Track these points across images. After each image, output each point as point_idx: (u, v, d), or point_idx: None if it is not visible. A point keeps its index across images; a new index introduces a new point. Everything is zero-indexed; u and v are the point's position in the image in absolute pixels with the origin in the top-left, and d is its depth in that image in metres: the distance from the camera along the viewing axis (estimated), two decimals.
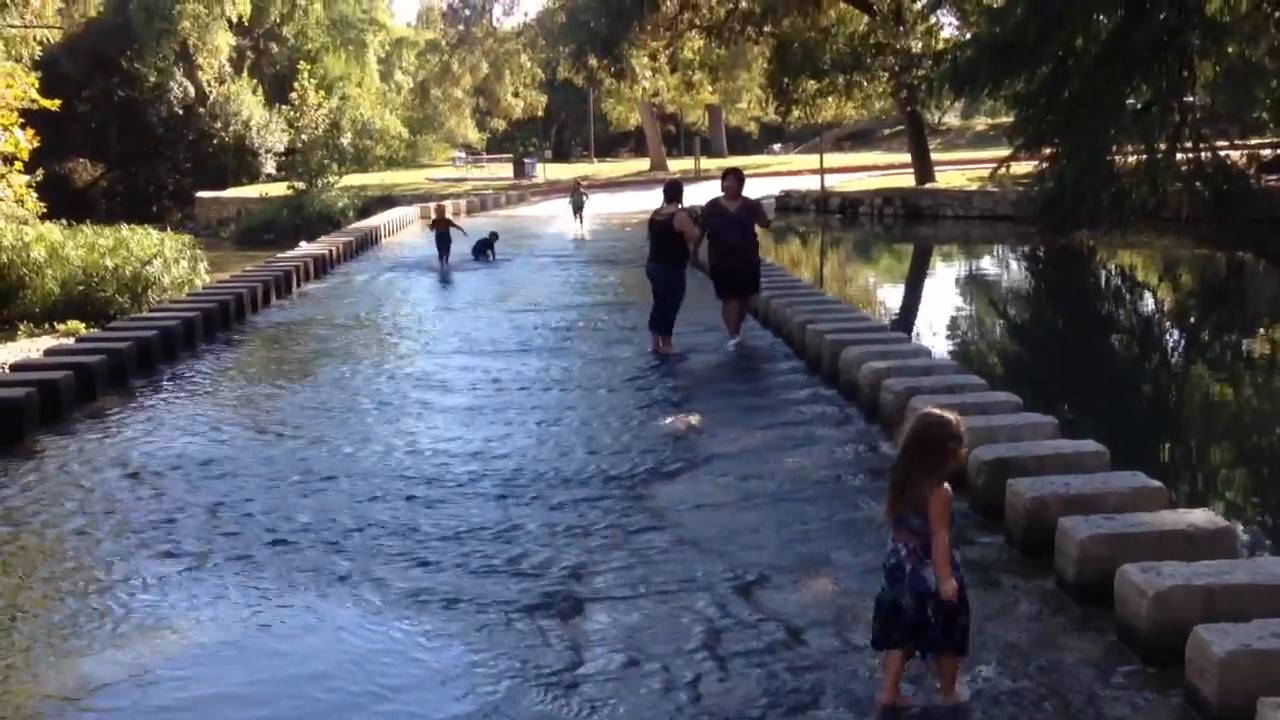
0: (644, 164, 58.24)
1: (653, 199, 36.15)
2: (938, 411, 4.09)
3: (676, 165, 55.34)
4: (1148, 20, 18.71)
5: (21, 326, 14.88)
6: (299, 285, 17.04)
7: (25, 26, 38.27)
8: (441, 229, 20.14)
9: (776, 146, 70.11)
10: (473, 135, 68.86)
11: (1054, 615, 4.85)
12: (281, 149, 49.51)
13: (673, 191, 11.13)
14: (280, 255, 19.72)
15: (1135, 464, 5.99)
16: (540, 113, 66.11)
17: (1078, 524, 5.03)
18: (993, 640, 4.60)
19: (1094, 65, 19.67)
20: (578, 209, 26.91)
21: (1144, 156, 19.92)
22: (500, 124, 68.49)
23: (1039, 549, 5.33)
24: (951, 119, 66.48)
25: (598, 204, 34.48)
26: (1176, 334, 15.54)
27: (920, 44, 31.20)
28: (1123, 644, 4.48)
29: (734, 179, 10.96)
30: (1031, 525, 5.44)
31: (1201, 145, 20.46)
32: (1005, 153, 26.92)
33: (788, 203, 33.00)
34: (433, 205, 35.32)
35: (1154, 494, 5.52)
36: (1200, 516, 5.22)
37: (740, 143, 68.94)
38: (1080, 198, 19.54)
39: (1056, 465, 5.99)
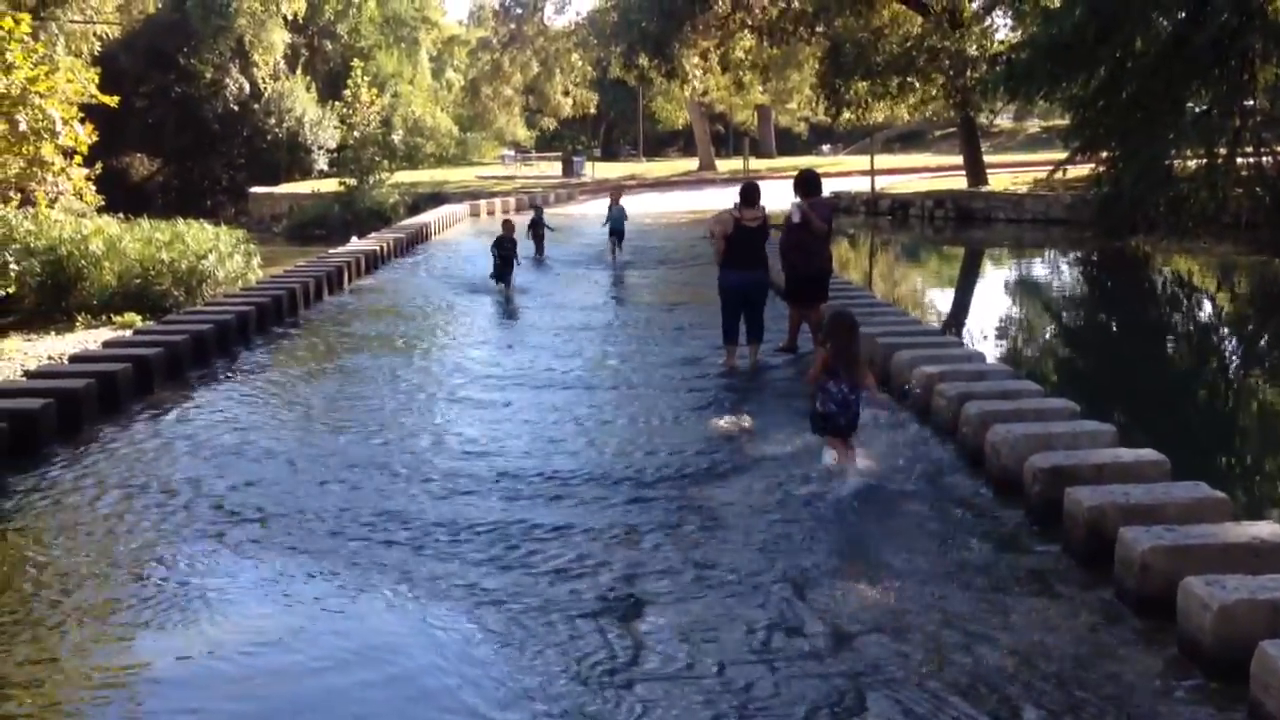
0: (692, 164, 58.14)
1: (702, 199, 36.08)
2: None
3: (725, 165, 55.23)
4: (1208, 22, 18.37)
5: (79, 318, 15.10)
6: (350, 280, 17.18)
7: (85, 23, 38.93)
8: (507, 250, 16.49)
9: (826, 148, 69.74)
10: (522, 133, 69.12)
11: (1113, 627, 4.76)
12: (333, 145, 49.94)
13: (753, 194, 10.35)
14: (332, 251, 19.89)
15: (1196, 474, 5.88)
16: (590, 111, 66.26)
17: (1139, 534, 4.95)
18: (1051, 651, 4.53)
19: (1153, 68, 19.36)
20: (616, 230, 20.01)
21: (1203, 161, 19.57)
22: (550, 122, 68.67)
23: (1097, 559, 5.25)
24: (1004, 121, 65.83)
25: (645, 204, 34.40)
26: (1235, 341, 15.26)
27: (975, 46, 30.87)
28: (1185, 658, 4.40)
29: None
30: (1090, 535, 5.35)
31: (1262, 150, 20.08)
32: (1058, 155, 26.61)
33: (837, 204, 32.78)
34: (499, 209, 35.07)
35: (1217, 505, 5.42)
36: (1265, 529, 5.11)
37: (789, 143, 68.64)
38: (1138, 202, 19.25)
39: (1115, 474, 5.89)
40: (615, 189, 21.03)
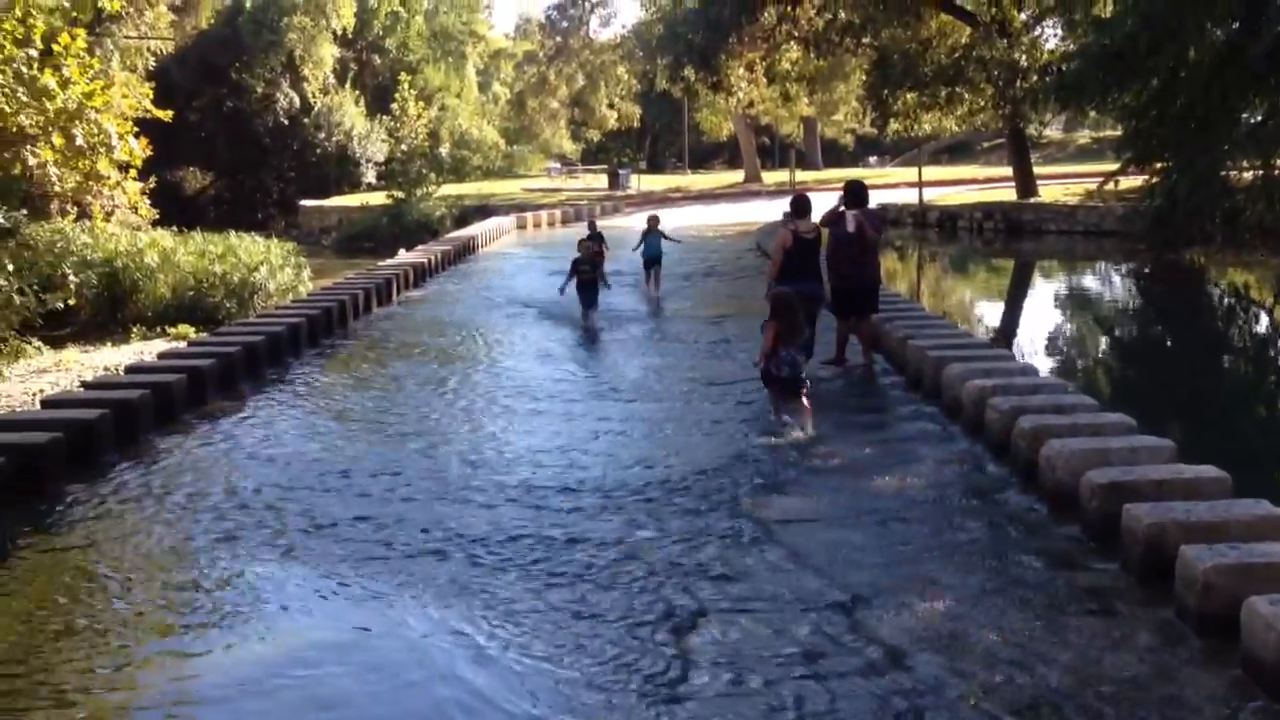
0: (738, 175, 58.11)
1: (748, 211, 36.00)
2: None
3: (770, 177, 55.13)
4: (1263, 32, 18.06)
5: (135, 329, 15.33)
6: (399, 293, 17.32)
7: (140, 38, 39.63)
8: (587, 275, 14.15)
9: (872, 159, 69.43)
10: (567, 146, 69.46)
11: (1174, 647, 4.67)
12: (382, 158, 50.45)
13: (805, 205, 10.33)
14: (380, 263, 20.06)
15: (1258, 491, 5.76)
16: (635, 123, 66.47)
17: (1200, 553, 4.85)
18: (1111, 671, 4.45)
19: (1207, 78, 19.07)
20: (652, 259, 16.98)
21: (1259, 172, 19.24)
22: (595, 135, 68.97)
23: (1157, 577, 5.16)
24: (1053, 132, 65.21)
25: (691, 216, 34.31)
26: None
27: (1024, 56, 30.59)
28: (1249, 679, 4.30)
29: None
30: (1149, 552, 5.26)
31: None
32: (1109, 167, 26.30)
33: (886, 215, 32.58)
34: (545, 221, 34.75)
35: None
36: None
37: (835, 155, 68.41)
38: (1193, 213, 18.95)
39: (1175, 491, 5.78)
40: (652, 216, 17.85)
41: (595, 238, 16.03)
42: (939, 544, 5.96)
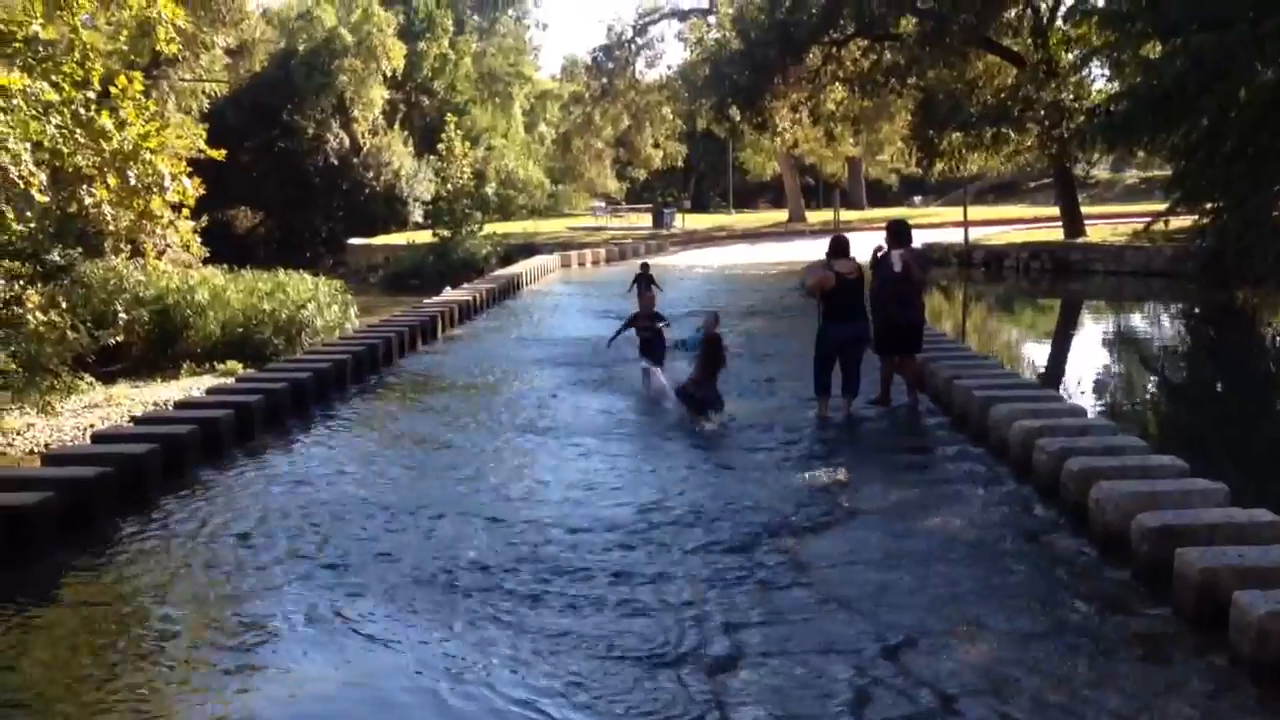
0: (782, 215, 58.14)
1: (792, 250, 35.95)
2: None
3: (815, 217, 55.12)
4: None
5: (185, 365, 15.56)
6: (444, 330, 17.44)
7: (195, 81, 40.41)
8: (646, 334, 12.43)
9: (917, 199, 69.27)
10: (612, 185, 69.84)
11: (1228, 694, 4.57)
12: (429, 198, 51.01)
13: (844, 246, 10.27)
14: (426, 301, 20.23)
15: None
16: (680, 163, 66.75)
17: (1255, 598, 4.75)
18: (1164, 719, 4.35)
19: (1257, 118, 18.89)
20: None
21: None
22: (640, 174, 69.31)
23: (1210, 623, 5.05)
24: (1101, 172, 64.75)
25: (735, 254, 34.27)
26: None
27: (1071, 96, 30.46)
28: None
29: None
30: (1202, 598, 5.15)
31: None
32: (1157, 207, 26.03)
33: (930, 255, 32.44)
34: (590, 260, 34.99)
35: None
36: None
37: (879, 195, 68.30)
38: (1244, 254, 18.71)
39: (1228, 535, 5.68)
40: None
41: (646, 282, 15.22)
42: (986, 587, 5.88)
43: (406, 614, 5.63)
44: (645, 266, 17.64)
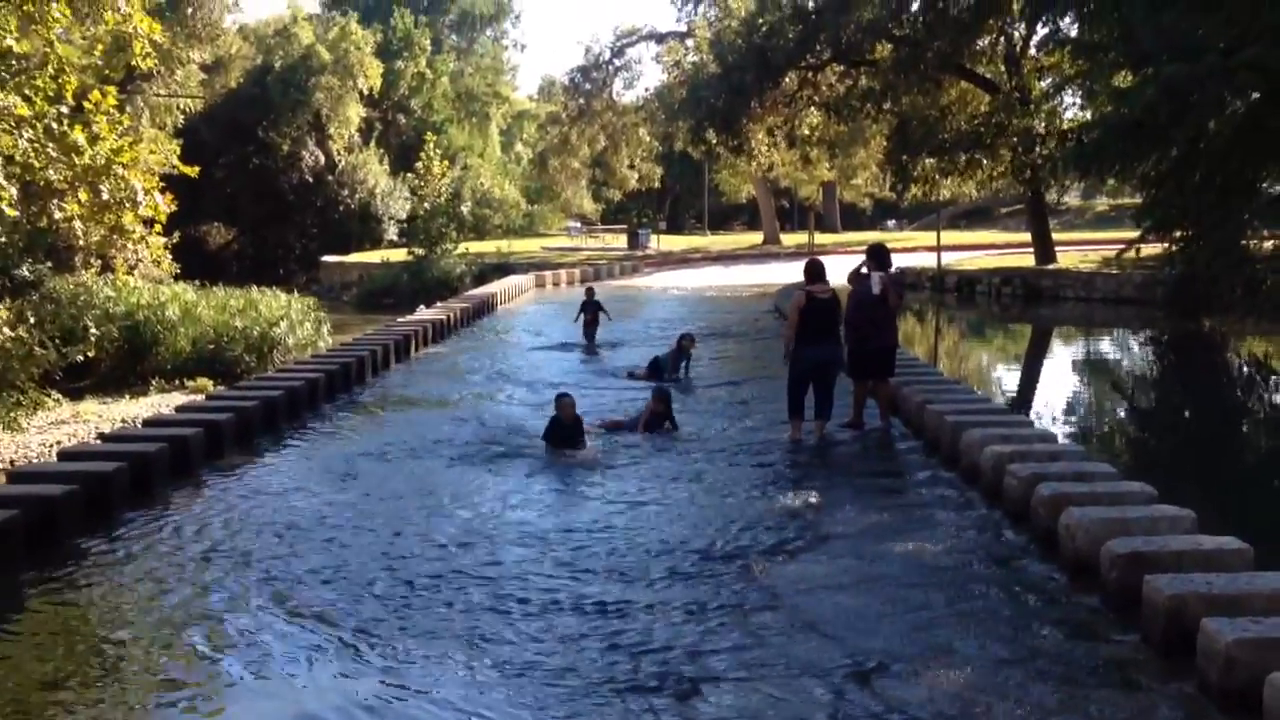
0: (757, 237, 58.41)
1: (766, 273, 36.04)
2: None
3: (789, 239, 55.37)
4: None
5: (154, 382, 15.41)
6: (418, 349, 17.38)
7: (170, 96, 40.24)
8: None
9: (890, 223, 69.70)
10: (588, 205, 69.96)
11: None
12: (404, 216, 50.89)
13: (819, 270, 10.29)
14: (400, 319, 20.16)
15: None
16: (656, 184, 66.95)
17: (1222, 626, 4.78)
18: None
19: (1227, 148, 19.12)
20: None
21: None
22: (615, 194, 69.49)
23: (1178, 650, 5.08)
24: (1072, 199, 65.36)
25: (710, 276, 34.36)
26: None
27: (1043, 124, 30.78)
28: None
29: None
30: (1170, 625, 5.18)
31: None
32: (1127, 234, 26.24)
33: (903, 279, 32.59)
34: (564, 280, 35.02)
35: None
36: None
37: (854, 218, 68.74)
38: (1212, 282, 18.91)
39: (1196, 562, 5.72)
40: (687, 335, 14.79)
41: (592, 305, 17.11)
42: (957, 612, 5.88)
43: (369, 636, 5.58)
44: (590, 291, 19.09)
